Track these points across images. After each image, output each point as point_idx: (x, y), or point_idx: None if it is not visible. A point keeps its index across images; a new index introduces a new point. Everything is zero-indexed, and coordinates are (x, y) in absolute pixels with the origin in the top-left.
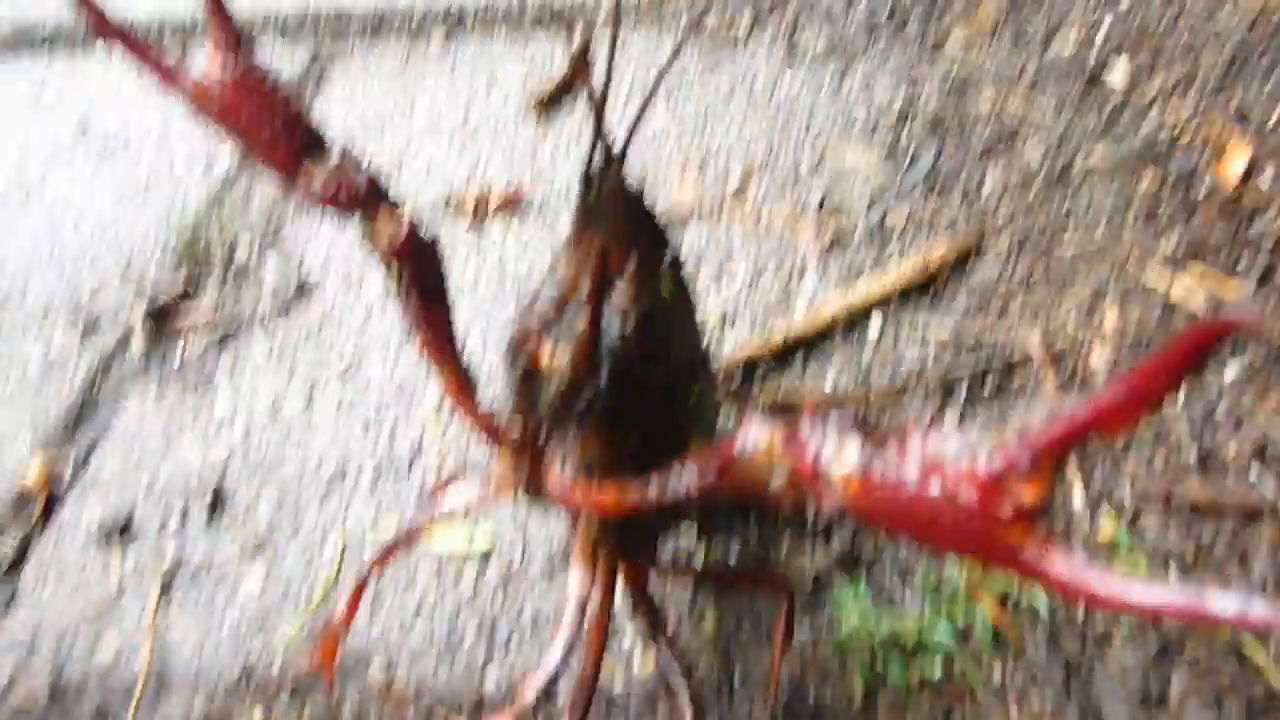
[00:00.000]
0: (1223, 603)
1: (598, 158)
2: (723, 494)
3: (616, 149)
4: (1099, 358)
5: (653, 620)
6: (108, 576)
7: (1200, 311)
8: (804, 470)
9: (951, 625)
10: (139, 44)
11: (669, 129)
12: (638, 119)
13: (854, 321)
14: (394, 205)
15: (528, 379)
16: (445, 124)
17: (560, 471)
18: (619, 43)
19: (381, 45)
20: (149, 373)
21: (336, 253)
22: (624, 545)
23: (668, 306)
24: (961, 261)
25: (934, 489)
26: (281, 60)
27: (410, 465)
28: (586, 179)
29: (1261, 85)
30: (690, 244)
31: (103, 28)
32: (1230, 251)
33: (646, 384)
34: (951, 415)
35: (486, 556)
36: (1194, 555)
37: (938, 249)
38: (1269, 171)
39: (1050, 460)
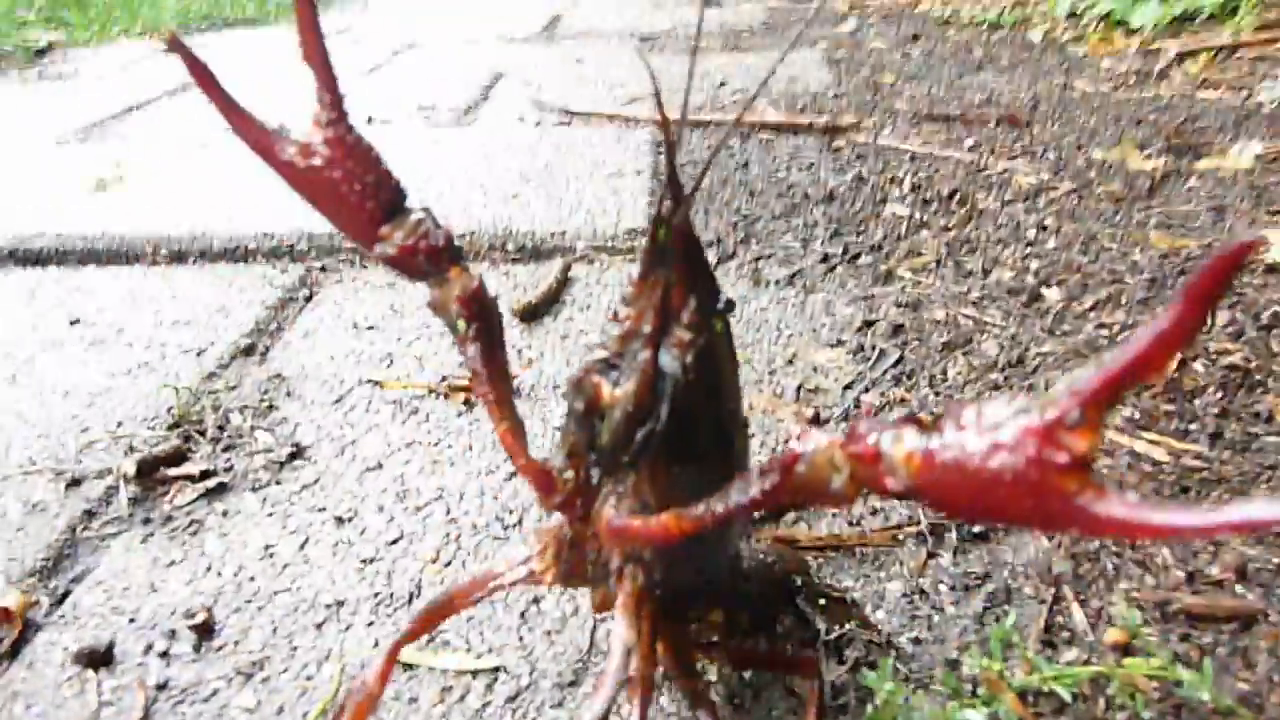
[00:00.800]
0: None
1: (667, 202)
2: (782, 503)
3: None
4: None
5: (695, 689)
6: (85, 703)
7: (1165, 459)
8: (867, 456)
9: (979, 713)
10: (234, 104)
11: None
12: (704, 171)
13: None
14: (465, 265)
15: (588, 414)
16: (436, 325)
17: (615, 507)
18: (602, 268)
19: (373, 265)
20: (135, 518)
21: (330, 423)
22: (666, 605)
23: (720, 347)
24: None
25: (992, 451)
26: (270, 278)
27: (410, 600)
28: (656, 222)
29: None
30: None
31: (205, 84)
32: (1181, 419)
33: (701, 419)
34: (946, 556)
35: (494, 673)
36: (1197, 659)
37: None
38: (1199, 363)
39: (1097, 410)
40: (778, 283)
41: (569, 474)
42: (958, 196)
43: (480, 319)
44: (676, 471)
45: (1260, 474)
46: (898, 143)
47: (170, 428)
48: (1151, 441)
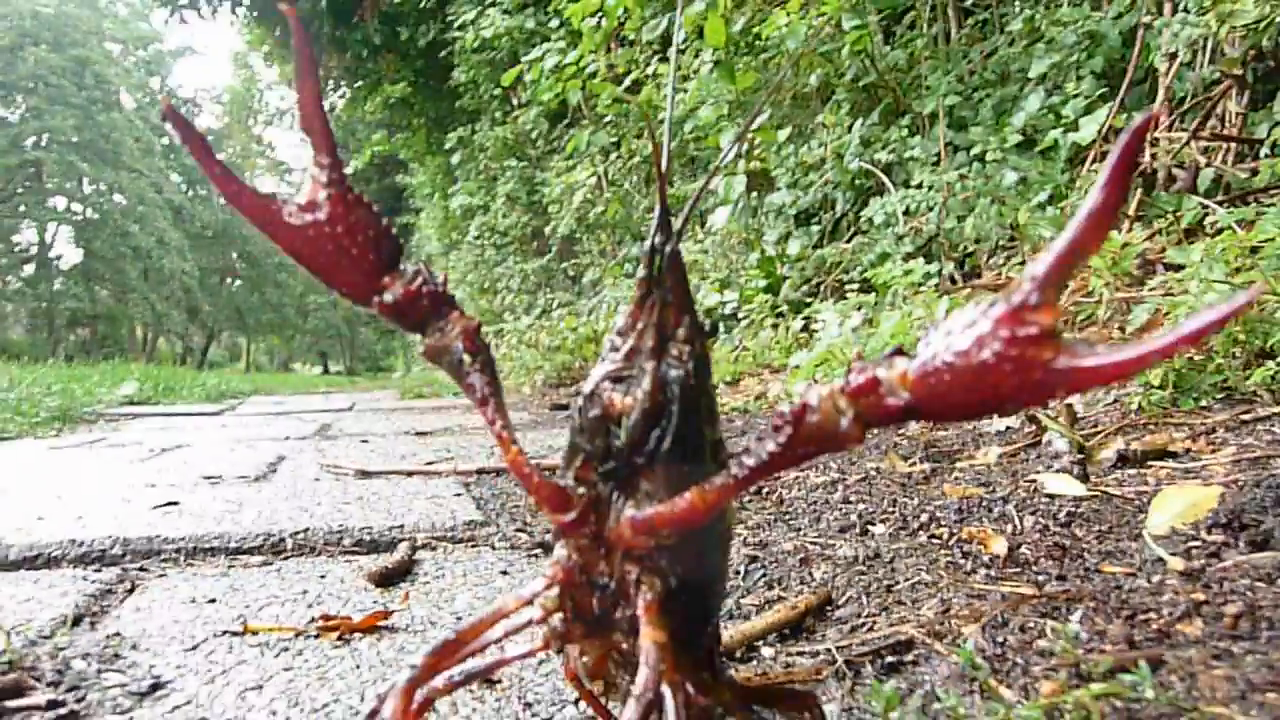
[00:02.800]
0: (1210, 314)
1: (660, 233)
2: (797, 455)
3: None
4: (970, 629)
5: (710, 707)
6: None
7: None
8: (867, 386)
9: None
10: (230, 174)
11: None
12: (694, 203)
13: (751, 647)
14: (460, 309)
15: (602, 422)
16: (285, 597)
17: (634, 511)
18: (446, 553)
19: (197, 565)
20: None
21: (192, 663)
22: (677, 630)
23: (709, 361)
24: (824, 605)
25: (975, 345)
26: (85, 576)
27: None
28: (651, 252)
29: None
30: None
31: (201, 155)
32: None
33: (704, 419)
34: (870, 681)
35: None
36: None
37: (804, 599)
38: (1024, 550)
39: (1053, 289)
40: None
41: (581, 490)
42: (762, 492)
43: (483, 352)
44: (688, 470)
45: None
46: None
47: (7, 668)
48: (1015, 583)
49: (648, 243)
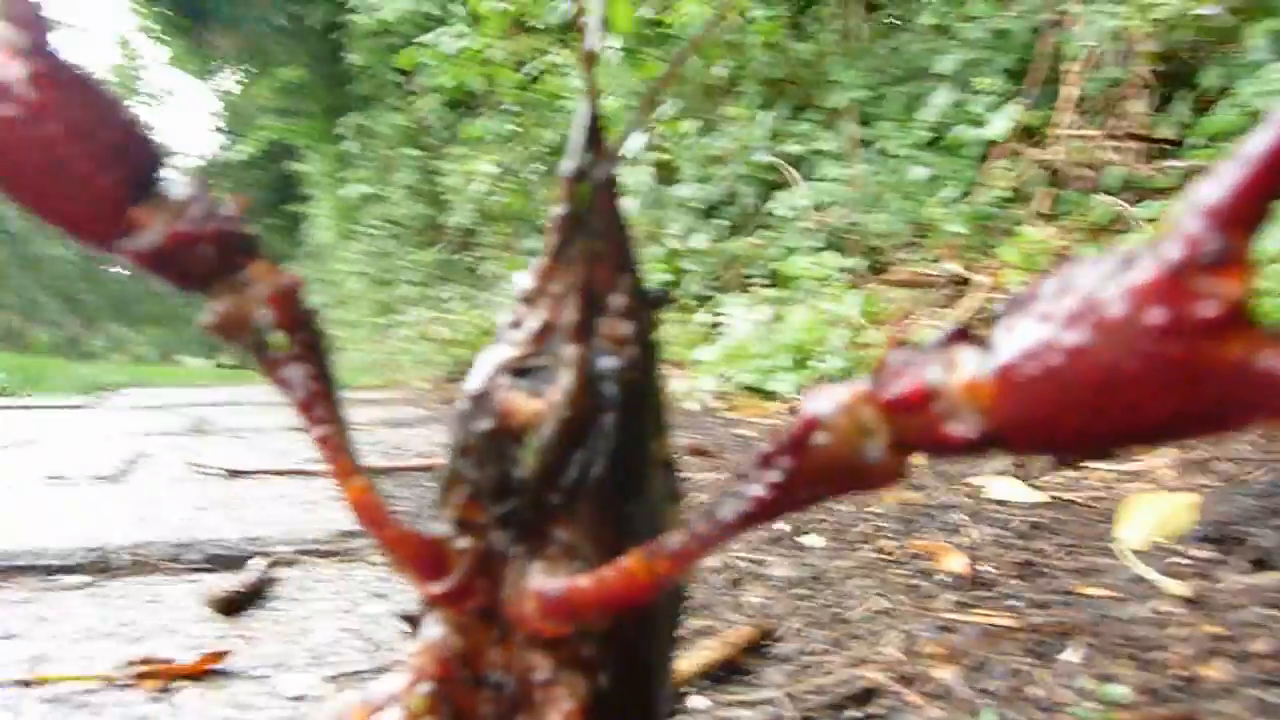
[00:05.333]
0: None
1: (587, 154)
2: (800, 498)
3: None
4: (945, 673)
5: None
6: None
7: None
8: (913, 400)
9: None
10: None
11: None
12: (641, 117)
13: (677, 695)
14: (270, 258)
15: (495, 442)
16: (103, 630)
17: (544, 578)
18: (309, 570)
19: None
20: None
21: None
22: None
23: (657, 345)
24: (763, 639)
25: (1101, 336)
26: None
27: None
28: (574, 179)
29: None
30: None
31: None
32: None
33: (651, 437)
34: None
35: None
36: None
37: (739, 632)
38: (985, 568)
39: (1244, 229)
40: None
41: (463, 543)
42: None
43: (306, 326)
44: (627, 512)
45: None
46: None
47: None
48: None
49: (567, 164)
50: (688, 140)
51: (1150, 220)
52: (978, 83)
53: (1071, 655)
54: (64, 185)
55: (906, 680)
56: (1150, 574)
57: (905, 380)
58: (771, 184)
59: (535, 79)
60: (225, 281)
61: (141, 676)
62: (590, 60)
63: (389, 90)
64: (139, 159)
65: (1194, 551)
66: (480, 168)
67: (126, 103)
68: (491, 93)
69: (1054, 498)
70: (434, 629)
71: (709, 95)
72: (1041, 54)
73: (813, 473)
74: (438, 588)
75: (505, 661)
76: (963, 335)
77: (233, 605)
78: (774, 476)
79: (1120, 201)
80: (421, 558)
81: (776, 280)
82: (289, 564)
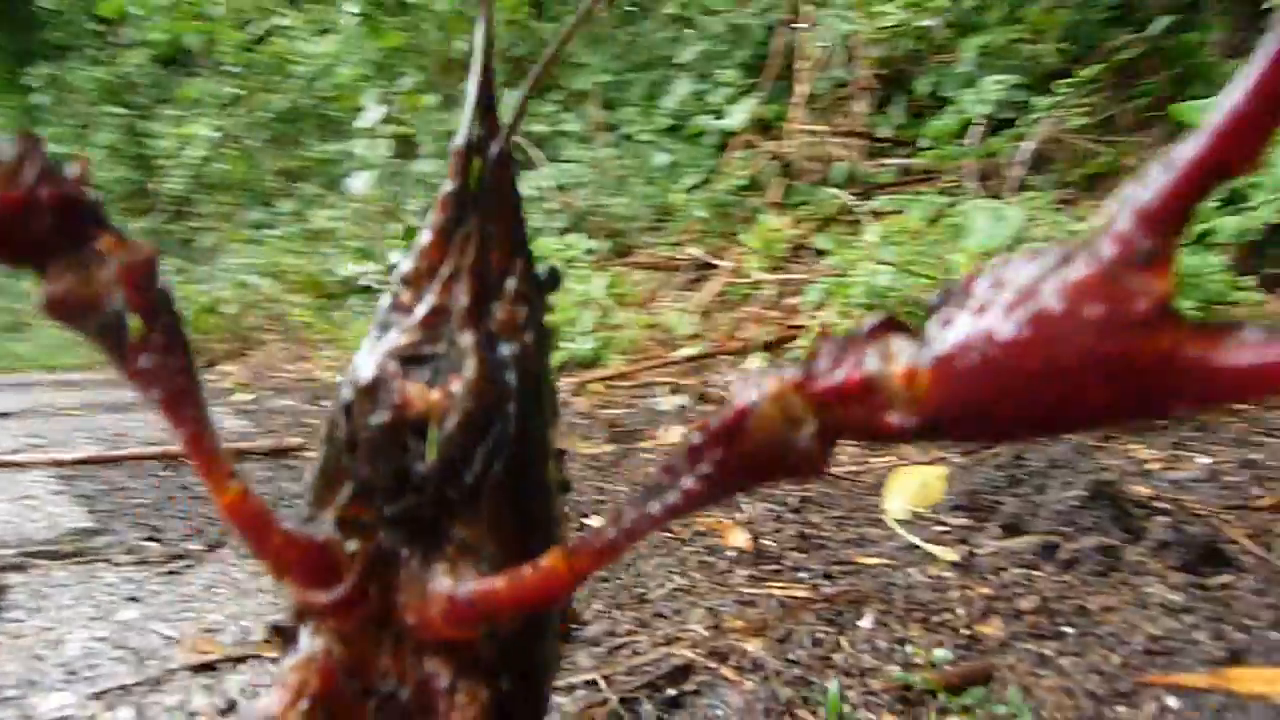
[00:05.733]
0: None
1: (479, 127)
2: (730, 487)
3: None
4: (752, 646)
5: None
6: None
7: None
8: (849, 389)
9: None
10: None
11: None
12: (532, 87)
13: None
14: (119, 230)
15: (392, 438)
16: None
17: (449, 581)
18: (43, 574)
19: None
20: None
21: None
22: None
23: (550, 331)
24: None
25: (1038, 329)
26: None
27: None
28: (465, 152)
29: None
30: None
31: None
32: None
33: (550, 427)
34: None
35: None
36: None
37: None
38: (767, 541)
39: (1171, 231)
40: None
41: (353, 545)
42: None
43: (164, 312)
44: (527, 504)
45: None
46: None
47: None
48: None
49: (460, 136)
50: (428, 114)
51: (875, 214)
52: (718, 76)
53: (866, 622)
54: None
55: (718, 655)
56: (918, 541)
57: (843, 370)
58: (516, 162)
59: (260, 39)
60: (67, 257)
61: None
62: (488, 7)
63: (88, 39)
64: None
65: (951, 520)
66: (197, 131)
67: None
68: (211, 52)
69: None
70: (313, 640)
71: (450, 69)
72: (776, 51)
73: (742, 463)
74: (327, 596)
75: (398, 670)
76: (891, 324)
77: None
78: (704, 469)
79: (845, 194)
80: (309, 564)
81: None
82: (17, 569)
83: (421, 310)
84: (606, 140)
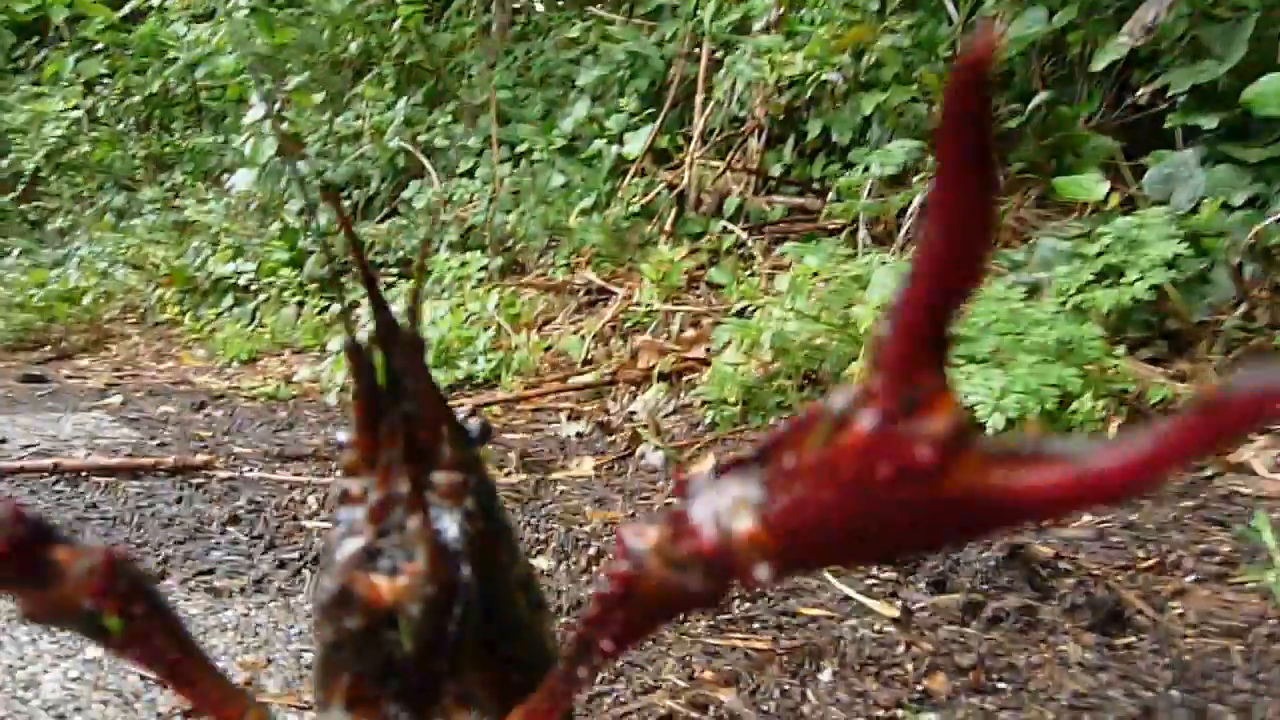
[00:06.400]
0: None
1: (379, 322)
2: (643, 631)
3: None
4: (726, 696)
5: None
6: None
7: None
8: (717, 551)
9: None
10: None
11: None
12: (418, 286)
13: None
14: (72, 543)
15: (371, 635)
16: None
17: None
18: None
19: None
20: None
21: None
22: None
23: (491, 482)
24: None
25: (840, 489)
26: None
27: None
28: (365, 350)
29: None
30: None
31: None
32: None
33: (509, 577)
34: None
35: None
36: None
37: None
38: None
39: (929, 371)
40: (243, 590)
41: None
42: None
43: (136, 599)
44: (511, 651)
45: None
46: (269, 475)
47: None
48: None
49: (351, 338)
50: (315, 116)
51: (765, 251)
52: (617, 102)
53: (826, 675)
54: None
55: (697, 706)
56: (854, 594)
57: (701, 538)
58: (403, 170)
59: (128, 18)
60: (27, 580)
61: None
62: (346, 222)
63: None
64: None
65: (879, 572)
66: (55, 108)
67: None
68: (82, 27)
69: None
70: None
71: (339, 70)
72: (674, 82)
73: (645, 613)
74: None
75: None
76: (727, 469)
77: None
78: (614, 629)
79: (738, 229)
80: None
81: (413, 272)
82: None
83: (370, 504)
84: (501, 156)
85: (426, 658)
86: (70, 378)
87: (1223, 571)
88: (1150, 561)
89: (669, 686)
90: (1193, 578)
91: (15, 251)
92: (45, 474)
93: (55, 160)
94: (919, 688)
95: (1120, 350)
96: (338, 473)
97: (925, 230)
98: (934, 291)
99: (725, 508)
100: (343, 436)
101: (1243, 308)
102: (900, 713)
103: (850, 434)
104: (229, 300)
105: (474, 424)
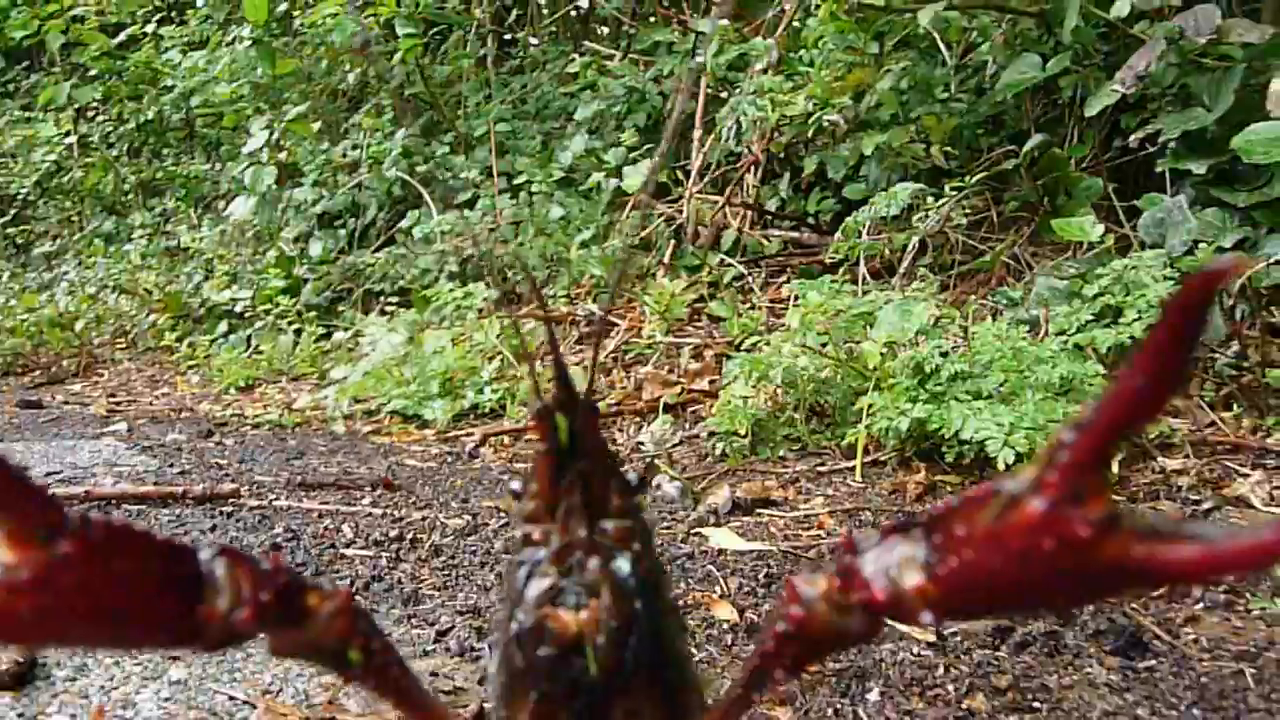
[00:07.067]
0: None
1: (560, 389)
2: (808, 662)
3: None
4: (782, 714)
5: None
6: None
7: None
8: (885, 601)
9: None
10: None
11: None
12: (597, 345)
13: None
14: (319, 588)
15: (560, 661)
16: None
17: None
18: None
19: None
20: None
21: None
22: None
23: (649, 532)
24: None
25: (1010, 557)
26: None
27: None
28: (547, 416)
29: None
30: None
31: None
32: None
33: (669, 607)
34: None
35: None
36: None
37: None
38: (750, 616)
39: (1094, 473)
40: None
41: None
42: (404, 539)
43: (369, 634)
44: (669, 676)
45: None
46: (297, 504)
47: None
48: None
49: (540, 404)
50: (311, 144)
51: (762, 285)
52: (615, 136)
53: (874, 695)
54: (132, 619)
55: None
56: (890, 621)
57: (873, 590)
58: (400, 200)
59: (124, 45)
60: (288, 621)
61: None
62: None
63: None
64: (187, 571)
65: None
66: (46, 133)
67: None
68: (79, 53)
69: (774, 548)
70: None
71: (336, 100)
72: (674, 119)
73: (811, 648)
74: None
75: None
76: (894, 531)
77: (18, 679)
78: (786, 660)
79: (735, 262)
80: None
81: (414, 301)
82: None
83: (553, 548)
84: (500, 188)
85: (606, 680)
86: (66, 404)
87: (1229, 600)
88: (1161, 590)
89: None
90: (1202, 605)
91: (4, 275)
92: (79, 501)
93: (44, 185)
94: (962, 707)
95: None
96: (517, 519)
97: (1123, 374)
98: (1115, 425)
99: (894, 565)
100: (516, 486)
101: (1234, 346)
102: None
103: (1022, 512)
104: (224, 327)
105: (633, 475)
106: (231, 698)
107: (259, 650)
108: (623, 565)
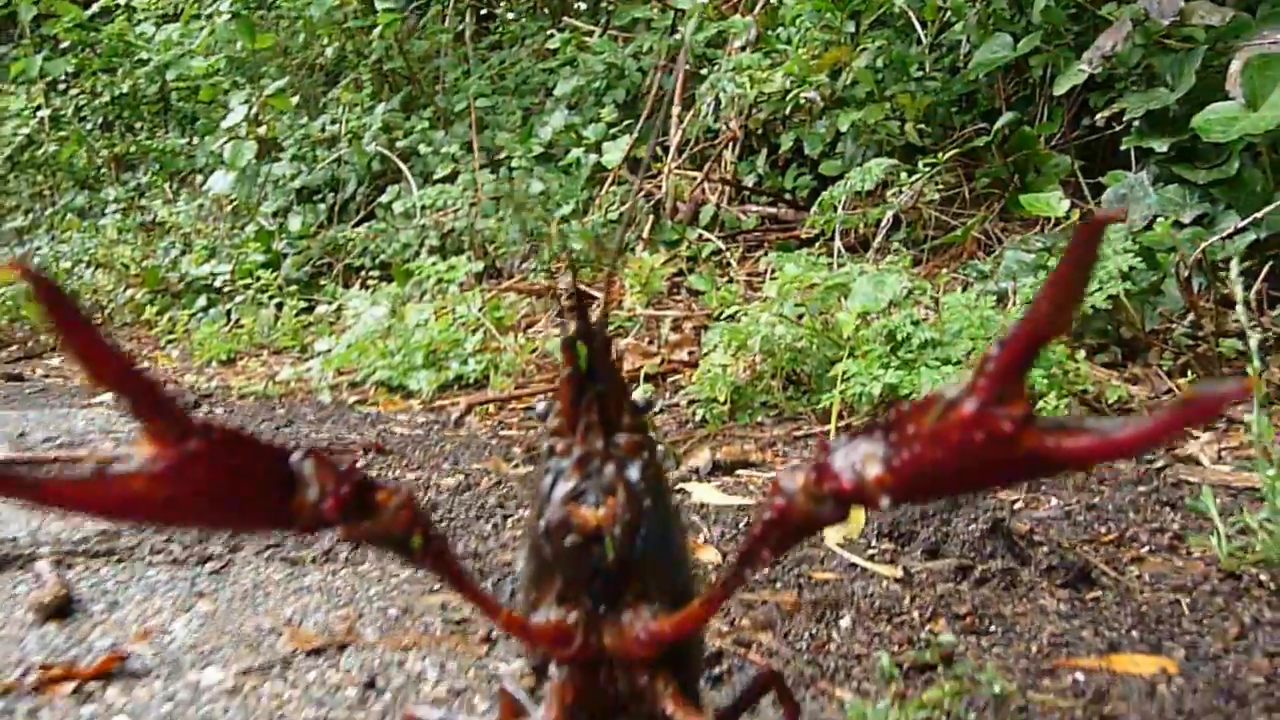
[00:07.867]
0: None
1: (579, 320)
2: (789, 544)
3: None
4: (765, 638)
5: None
6: None
7: None
8: (850, 489)
9: None
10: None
11: None
12: (611, 274)
13: None
14: (386, 486)
15: (582, 549)
16: None
17: (634, 621)
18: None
19: None
20: None
21: None
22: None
23: (655, 445)
24: None
25: (949, 449)
26: None
27: None
28: (569, 345)
29: None
30: None
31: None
32: None
33: (669, 510)
34: None
35: None
36: None
37: None
38: (731, 558)
39: (1015, 379)
40: (314, 560)
41: (573, 616)
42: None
43: (428, 525)
44: (673, 563)
45: None
46: None
47: None
48: None
49: (564, 335)
50: (290, 118)
51: (740, 259)
52: (595, 112)
53: (846, 621)
54: (239, 509)
55: (742, 645)
56: (860, 561)
57: (842, 481)
58: (380, 175)
59: (95, 17)
60: (361, 514)
61: (46, 683)
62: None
63: None
64: (284, 470)
65: (880, 545)
66: (16, 106)
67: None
68: (51, 25)
69: (743, 504)
70: (560, 672)
71: (314, 74)
72: (653, 94)
73: (792, 532)
74: (567, 650)
75: (611, 679)
76: (860, 432)
77: (60, 610)
78: (772, 542)
79: (712, 236)
80: (555, 637)
81: (395, 276)
82: (63, 565)
83: (574, 456)
84: (480, 162)
85: (621, 566)
86: (47, 377)
87: (1173, 544)
88: (1111, 536)
89: (716, 631)
90: (1148, 549)
91: None
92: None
93: (14, 159)
94: (924, 631)
95: (1080, 355)
96: (544, 434)
97: (1038, 297)
98: (1033, 337)
99: (859, 460)
100: (541, 407)
101: (1190, 317)
102: (863, 637)
103: (959, 413)
104: (202, 301)
105: (641, 398)
106: (258, 626)
107: (278, 588)
108: (634, 471)
